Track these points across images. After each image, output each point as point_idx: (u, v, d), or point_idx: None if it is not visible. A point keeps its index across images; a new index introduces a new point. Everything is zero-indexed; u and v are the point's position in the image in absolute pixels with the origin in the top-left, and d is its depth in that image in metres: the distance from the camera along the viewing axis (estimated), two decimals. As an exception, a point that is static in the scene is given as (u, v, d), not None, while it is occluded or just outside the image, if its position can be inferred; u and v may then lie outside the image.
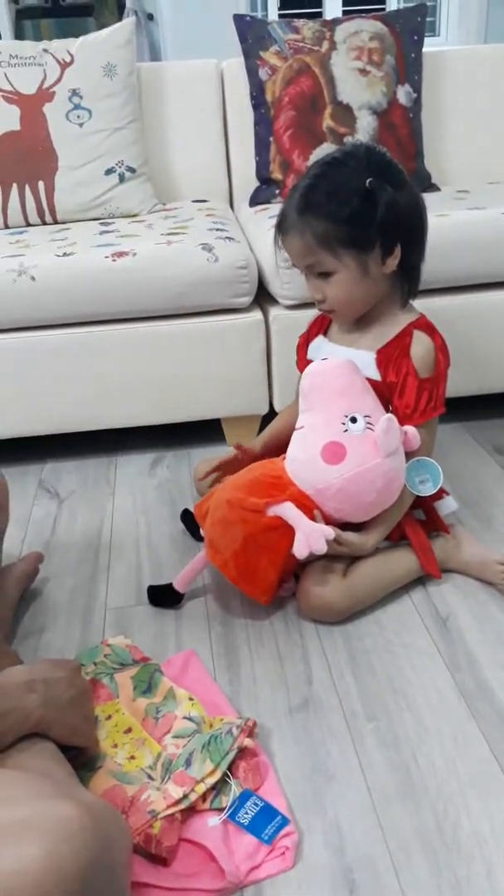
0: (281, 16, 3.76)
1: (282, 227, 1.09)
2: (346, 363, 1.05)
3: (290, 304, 1.50)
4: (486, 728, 0.91)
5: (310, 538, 1.00)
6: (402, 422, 1.09)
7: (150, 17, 3.81)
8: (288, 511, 1.03)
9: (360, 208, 1.02)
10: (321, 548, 1.01)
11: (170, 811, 0.80)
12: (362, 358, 1.11)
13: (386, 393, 1.11)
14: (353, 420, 1.03)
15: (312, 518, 1.03)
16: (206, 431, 1.65)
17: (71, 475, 1.57)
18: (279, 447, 1.17)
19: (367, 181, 1.02)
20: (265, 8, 3.81)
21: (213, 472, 1.26)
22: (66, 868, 0.57)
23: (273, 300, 1.54)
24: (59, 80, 1.73)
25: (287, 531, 1.02)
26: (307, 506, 1.04)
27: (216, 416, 1.61)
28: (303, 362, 1.22)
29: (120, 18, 3.72)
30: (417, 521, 1.18)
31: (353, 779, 0.86)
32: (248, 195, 1.86)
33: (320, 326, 1.20)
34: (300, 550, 1.01)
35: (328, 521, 1.05)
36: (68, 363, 1.50)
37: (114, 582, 1.23)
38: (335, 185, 1.04)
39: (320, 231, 1.03)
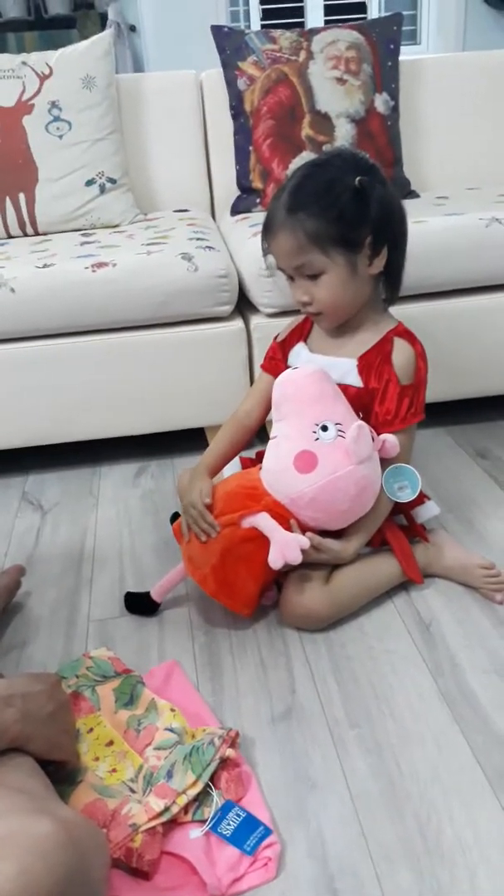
0: (263, 27, 3.78)
1: (270, 228, 1.07)
2: (316, 371, 1.06)
3: (270, 313, 1.50)
4: (469, 733, 0.91)
5: (284, 548, 1.00)
6: (382, 428, 1.09)
7: (133, 28, 3.83)
8: (263, 522, 1.03)
9: (350, 206, 1.02)
10: (296, 558, 1.01)
11: (151, 824, 0.79)
12: (344, 365, 1.11)
13: (367, 399, 1.11)
14: (325, 428, 1.03)
15: (289, 528, 1.03)
16: (189, 440, 1.64)
17: (54, 487, 1.57)
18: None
19: (357, 179, 1.02)
20: (248, 19, 3.83)
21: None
22: (41, 886, 0.56)
23: (254, 308, 1.54)
24: (38, 92, 1.74)
25: (264, 542, 1.02)
26: (283, 515, 1.04)
27: (199, 425, 1.61)
28: (270, 364, 1.22)
29: (103, 30, 3.73)
30: (399, 527, 1.18)
31: (336, 787, 0.86)
32: (230, 204, 1.87)
33: (300, 334, 1.20)
34: (275, 561, 1.01)
35: (305, 529, 1.05)
36: (49, 374, 1.50)
37: (97, 594, 1.22)
38: (324, 183, 1.04)
39: (311, 229, 1.02)
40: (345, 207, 1.02)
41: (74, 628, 1.15)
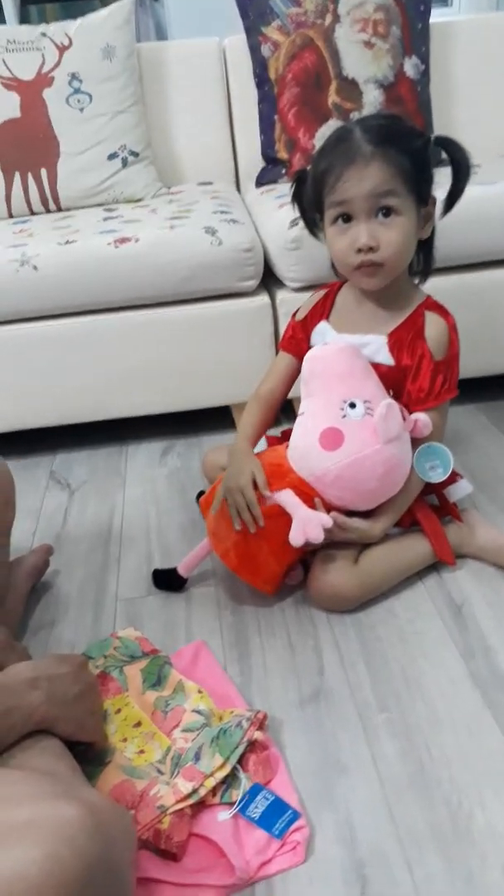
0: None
1: (352, 160, 0.97)
2: (347, 347, 1.03)
3: (297, 287, 1.47)
4: (501, 718, 0.89)
5: (306, 526, 0.98)
6: (415, 406, 1.06)
7: (155, -3, 3.74)
8: (287, 499, 1.01)
9: (429, 159, 1.01)
10: (317, 536, 0.99)
11: (179, 806, 0.79)
12: (374, 342, 1.08)
13: (399, 377, 1.07)
14: (353, 406, 1.00)
15: (313, 506, 1.01)
16: (216, 418, 1.63)
17: (82, 466, 1.57)
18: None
19: (434, 136, 1.00)
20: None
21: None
22: (67, 871, 0.56)
23: (280, 283, 1.51)
24: (57, 64, 1.70)
25: (287, 520, 1.00)
26: (307, 493, 1.02)
27: (226, 403, 1.59)
28: (291, 344, 1.18)
29: (124, -1, 3.66)
30: (430, 507, 1.15)
31: (365, 771, 0.85)
32: (255, 176, 1.82)
33: (322, 312, 1.16)
34: (296, 538, 0.99)
35: (330, 508, 1.03)
36: (74, 353, 1.49)
37: (124, 573, 1.22)
38: (409, 129, 1.03)
39: (404, 164, 0.97)
40: (428, 157, 1.00)
41: (102, 607, 1.15)
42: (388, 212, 0.99)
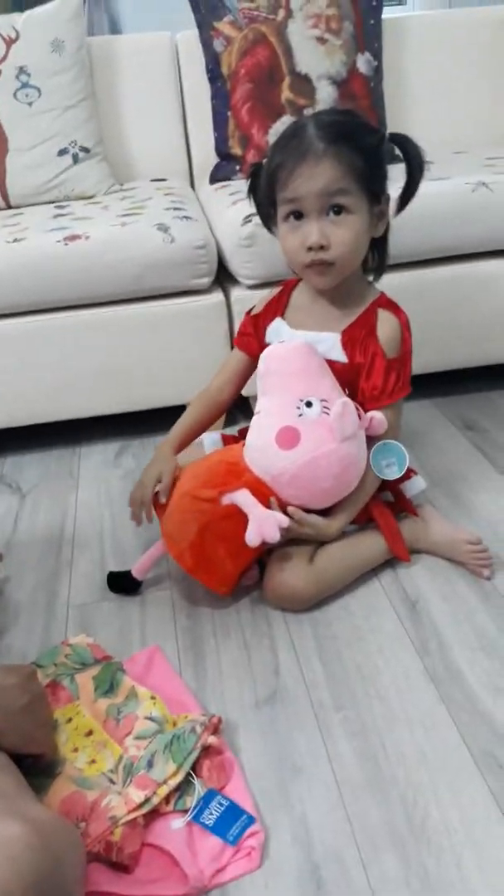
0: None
1: (303, 158, 0.96)
2: (302, 345, 1.02)
3: (251, 284, 1.46)
4: (456, 713, 0.89)
5: (262, 526, 0.98)
6: (369, 404, 1.06)
7: (108, -10, 3.69)
8: (242, 498, 1.00)
9: (384, 156, 1.00)
10: (273, 536, 0.98)
11: (131, 816, 0.77)
12: (327, 340, 1.07)
13: (352, 375, 1.07)
14: (309, 404, 1.00)
15: (268, 506, 1.00)
16: (172, 418, 1.59)
17: (33, 469, 1.53)
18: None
19: (388, 133, 1.00)
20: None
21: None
22: (10, 891, 0.54)
23: (234, 280, 1.50)
24: (4, 57, 1.67)
25: (243, 520, 0.99)
26: (263, 493, 1.01)
27: (181, 402, 1.57)
28: (252, 343, 1.17)
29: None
30: (385, 504, 1.15)
31: (321, 772, 0.84)
32: (209, 172, 1.81)
33: (276, 309, 1.15)
34: (252, 538, 0.98)
35: (285, 508, 1.02)
36: (25, 353, 1.46)
37: (77, 578, 1.20)
38: (363, 126, 1.02)
39: (356, 162, 0.96)
40: (381, 155, 0.99)
41: (54, 614, 1.12)
42: (339, 210, 0.98)
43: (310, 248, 0.99)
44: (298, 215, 1.00)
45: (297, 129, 1.01)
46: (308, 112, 1.70)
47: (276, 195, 1.02)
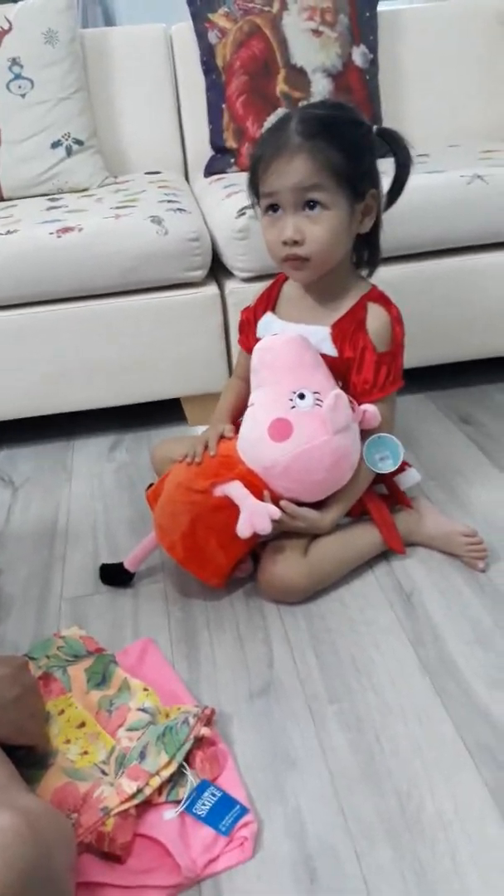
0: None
1: (279, 153, 0.96)
2: (296, 338, 1.01)
3: (246, 277, 1.45)
4: (451, 705, 0.89)
5: (253, 517, 0.97)
6: (361, 398, 1.05)
7: (103, -16, 3.68)
8: (234, 490, 0.99)
9: (368, 152, 0.99)
10: (265, 527, 0.97)
11: (123, 807, 0.77)
12: (317, 333, 1.06)
13: (343, 368, 1.06)
14: (301, 396, 0.99)
15: (261, 497, 1.00)
16: (166, 411, 1.60)
17: (26, 461, 1.52)
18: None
19: (375, 127, 0.99)
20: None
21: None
22: (1, 880, 0.54)
23: (229, 273, 1.49)
24: (-3, 48, 1.65)
25: (236, 511, 0.99)
26: (256, 485, 1.01)
27: (176, 396, 1.57)
28: (248, 339, 1.17)
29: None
30: (379, 496, 1.14)
31: (315, 764, 0.84)
32: (204, 165, 1.80)
33: (267, 303, 1.15)
34: (243, 530, 0.97)
35: (278, 500, 1.01)
36: (18, 346, 1.45)
37: (69, 571, 1.19)
38: (347, 121, 1.00)
39: (332, 158, 0.95)
40: (364, 150, 0.98)
41: (47, 606, 1.11)
42: (314, 205, 0.97)
43: (285, 243, 0.99)
44: (276, 209, 1.00)
45: (281, 122, 1.01)
46: (303, 104, 1.70)
47: (258, 188, 1.02)
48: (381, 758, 0.84)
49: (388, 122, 1.80)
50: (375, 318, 1.06)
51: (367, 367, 1.05)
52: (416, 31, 1.88)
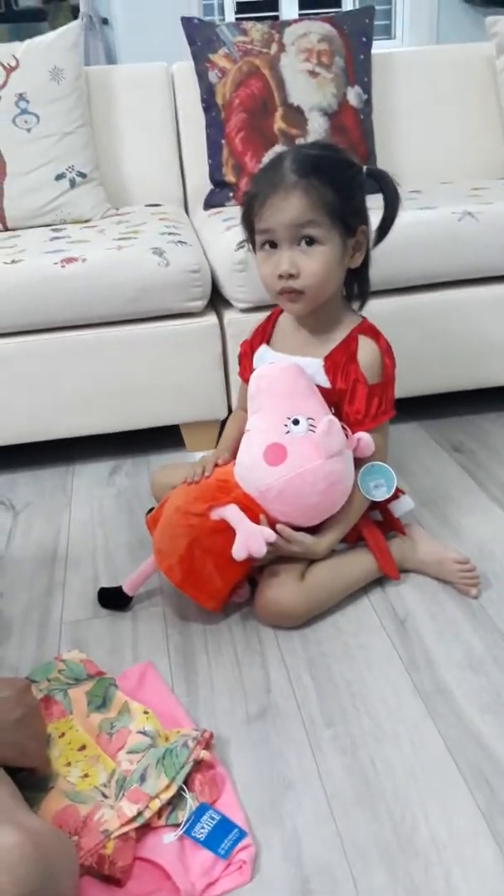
0: (237, 20, 3.75)
1: (274, 190, 1.00)
2: (291, 366, 1.05)
3: (244, 308, 1.49)
4: (444, 729, 0.91)
5: (249, 540, 1.00)
6: (354, 428, 1.08)
7: (105, 21, 3.78)
8: (231, 513, 1.02)
9: (359, 190, 1.04)
10: (259, 550, 1.00)
11: (123, 830, 0.78)
12: (310, 365, 1.10)
13: (336, 399, 1.10)
14: (296, 422, 1.02)
15: (257, 521, 1.02)
16: (165, 438, 1.63)
17: (27, 486, 1.54)
18: None
19: (366, 167, 1.04)
20: (222, 12, 3.80)
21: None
22: (6, 899, 0.55)
23: (228, 304, 1.53)
24: (4, 84, 1.70)
25: (232, 535, 1.01)
26: (252, 509, 1.03)
27: (174, 422, 1.60)
28: (247, 371, 1.20)
29: (73, 22, 3.67)
30: (374, 523, 1.17)
31: (312, 787, 0.85)
32: (203, 199, 1.85)
33: (263, 336, 1.19)
34: (239, 552, 1.00)
35: (275, 524, 1.04)
36: (21, 372, 1.48)
37: (70, 595, 1.21)
38: (338, 160, 1.05)
39: (325, 195, 0.99)
40: (355, 189, 1.03)
41: (47, 630, 1.13)
42: (310, 241, 1.01)
43: (280, 276, 1.03)
44: (273, 244, 1.04)
45: (275, 160, 1.05)
46: (300, 142, 1.75)
47: (254, 224, 1.06)
48: (376, 781, 0.85)
49: (381, 160, 1.86)
50: (366, 350, 1.09)
51: (358, 399, 1.08)
52: (408, 74, 1.95)
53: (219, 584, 1.06)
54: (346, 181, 1.02)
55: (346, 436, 1.06)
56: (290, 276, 1.03)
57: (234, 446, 1.21)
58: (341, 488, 1.06)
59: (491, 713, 0.92)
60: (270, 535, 1.01)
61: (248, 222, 1.08)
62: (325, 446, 1.01)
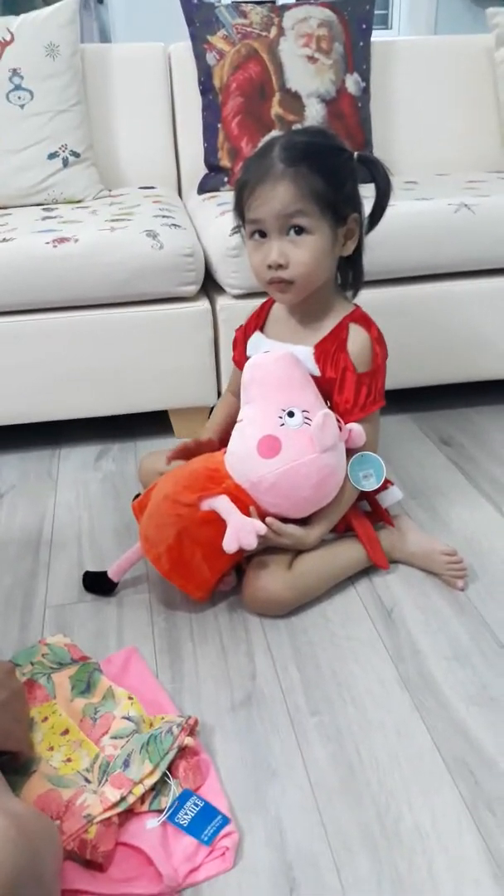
0: (237, 2, 3.70)
1: (262, 179, 0.99)
2: (286, 356, 1.04)
3: (237, 294, 1.47)
4: (430, 720, 0.91)
5: (239, 532, 0.99)
6: (343, 417, 1.08)
7: (100, 0, 3.72)
8: (221, 504, 1.01)
9: (350, 177, 1.02)
10: (250, 543, 0.99)
11: (106, 815, 0.77)
12: (301, 353, 1.09)
13: (326, 388, 1.09)
14: (291, 414, 1.01)
15: (248, 513, 1.02)
16: (153, 423, 1.61)
17: (12, 469, 1.53)
18: (228, 435, 1.15)
19: (357, 154, 1.02)
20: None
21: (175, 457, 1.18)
22: (-12, 882, 0.54)
23: (220, 289, 1.51)
24: (-3, 58, 1.67)
25: (222, 526, 1.00)
26: (243, 500, 1.02)
27: (163, 408, 1.58)
28: (241, 357, 1.19)
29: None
30: (363, 513, 1.17)
31: (296, 775, 0.85)
32: (197, 182, 1.83)
33: (257, 322, 1.18)
34: (229, 545, 0.99)
35: (264, 516, 1.03)
36: (8, 353, 1.45)
37: (54, 579, 1.19)
38: (329, 147, 1.03)
39: (314, 184, 0.98)
40: (345, 176, 1.01)
41: (31, 614, 1.12)
42: (299, 230, 1.00)
43: (269, 267, 1.02)
44: (262, 234, 1.03)
45: (265, 148, 1.04)
46: (297, 127, 1.74)
47: (244, 213, 1.05)
48: (361, 770, 0.85)
49: (377, 149, 1.85)
50: (356, 338, 1.08)
51: (348, 387, 1.08)
52: (408, 62, 1.94)
53: (206, 574, 1.05)
54: (336, 168, 1.01)
55: (339, 427, 1.05)
56: (279, 267, 1.02)
57: (221, 430, 1.21)
58: (333, 481, 1.05)
59: (476, 705, 0.93)
60: (261, 528, 1.00)
61: (240, 210, 1.06)
62: (319, 440, 1.00)
